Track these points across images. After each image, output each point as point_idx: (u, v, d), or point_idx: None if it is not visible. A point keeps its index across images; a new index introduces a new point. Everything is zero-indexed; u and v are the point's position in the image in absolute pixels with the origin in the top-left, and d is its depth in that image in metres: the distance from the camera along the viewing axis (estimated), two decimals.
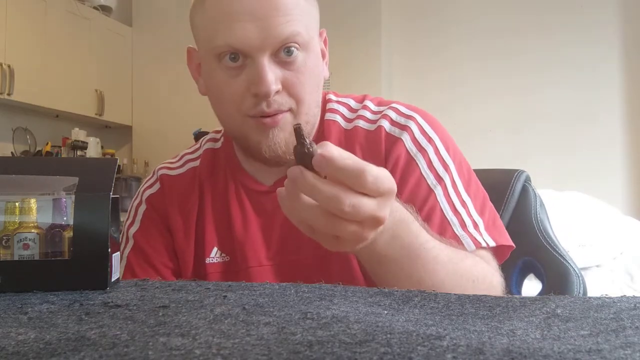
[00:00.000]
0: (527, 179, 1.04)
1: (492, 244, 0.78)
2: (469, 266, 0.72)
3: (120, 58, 4.54)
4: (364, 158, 0.76)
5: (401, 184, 0.79)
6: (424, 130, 0.82)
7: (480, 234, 0.77)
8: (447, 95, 3.84)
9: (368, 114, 0.85)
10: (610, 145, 3.61)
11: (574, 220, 2.18)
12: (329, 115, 0.86)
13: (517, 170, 1.04)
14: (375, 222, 0.55)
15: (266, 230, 0.83)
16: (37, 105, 3.76)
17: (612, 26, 3.64)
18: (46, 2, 3.80)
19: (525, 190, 1.03)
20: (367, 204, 0.53)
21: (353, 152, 0.81)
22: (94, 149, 4.23)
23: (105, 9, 4.37)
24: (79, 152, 4.07)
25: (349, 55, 3.70)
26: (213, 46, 0.75)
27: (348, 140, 0.83)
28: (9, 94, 3.49)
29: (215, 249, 0.83)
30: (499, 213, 1.02)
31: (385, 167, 0.80)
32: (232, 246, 0.83)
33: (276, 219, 0.82)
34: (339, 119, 0.86)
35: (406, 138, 0.81)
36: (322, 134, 0.84)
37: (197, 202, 0.86)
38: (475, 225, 0.78)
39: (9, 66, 3.48)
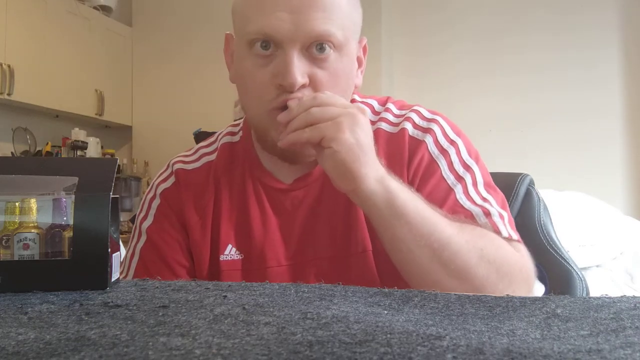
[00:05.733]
0: (531, 183, 1.04)
1: (515, 237, 0.77)
2: (478, 235, 0.72)
3: (120, 58, 4.53)
4: (387, 160, 0.77)
5: (421, 185, 0.79)
6: (446, 133, 0.82)
7: (505, 226, 0.77)
8: (447, 93, 3.84)
9: (390, 117, 0.85)
10: (611, 145, 3.61)
11: (574, 220, 2.18)
12: None
13: (521, 173, 1.04)
14: (345, 114, 0.68)
15: (285, 229, 0.82)
16: (37, 105, 3.76)
17: (612, 26, 3.64)
18: (46, 2, 3.80)
19: (529, 193, 1.03)
20: (329, 106, 0.69)
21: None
22: (94, 149, 4.23)
23: (105, 9, 4.37)
24: (79, 152, 4.07)
25: None
26: (246, 32, 0.75)
27: None
28: (9, 94, 3.49)
29: (230, 246, 0.82)
30: None
31: (408, 169, 0.80)
32: (249, 244, 0.82)
33: (296, 218, 0.82)
34: None
35: (429, 140, 0.81)
36: None
37: (212, 198, 0.84)
38: (501, 216, 0.77)
39: (9, 66, 3.48)
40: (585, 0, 3.66)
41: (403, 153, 0.81)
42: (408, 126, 0.82)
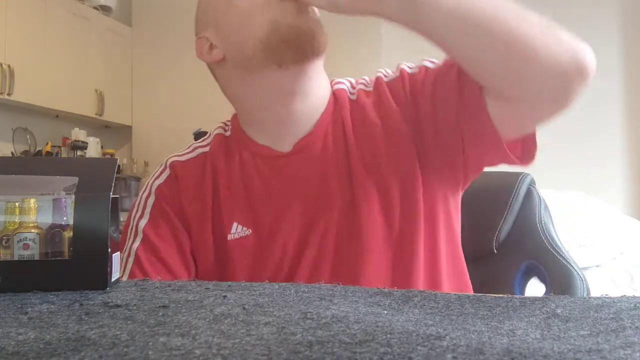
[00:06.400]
0: (532, 182, 1.04)
1: None
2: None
3: (120, 58, 4.54)
4: (377, 109, 0.83)
5: (438, 82, 0.80)
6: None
7: None
8: None
9: (364, 81, 0.90)
10: (611, 145, 3.61)
11: (574, 220, 2.18)
12: (337, 85, 0.90)
13: (522, 173, 1.04)
14: None
15: (290, 192, 0.83)
16: (37, 105, 3.77)
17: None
18: (46, 2, 3.80)
19: (529, 193, 1.03)
20: None
21: (365, 115, 0.84)
22: (93, 149, 4.23)
23: (105, 9, 4.37)
24: (79, 152, 4.07)
25: (348, 51, 3.70)
26: None
27: (356, 108, 0.86)
28: (9, 94, 3.49)
29: (236, 224, 0.83)
30: (503, 216, 1.03)
31: (422, 92, 0.82)
32: (257, 217, 0.83)
33: (303, 180, 0.83)
34: (346, 87, 0.90)
35: (425, 64, 0.84)
36: (335, 99, 0.87)
37: (210, 183, 0.85)
38: None
39: (9, 66, 3.48)
40: None
41: (384, 91, 0.84)
42: (379, 74, 0.87)
